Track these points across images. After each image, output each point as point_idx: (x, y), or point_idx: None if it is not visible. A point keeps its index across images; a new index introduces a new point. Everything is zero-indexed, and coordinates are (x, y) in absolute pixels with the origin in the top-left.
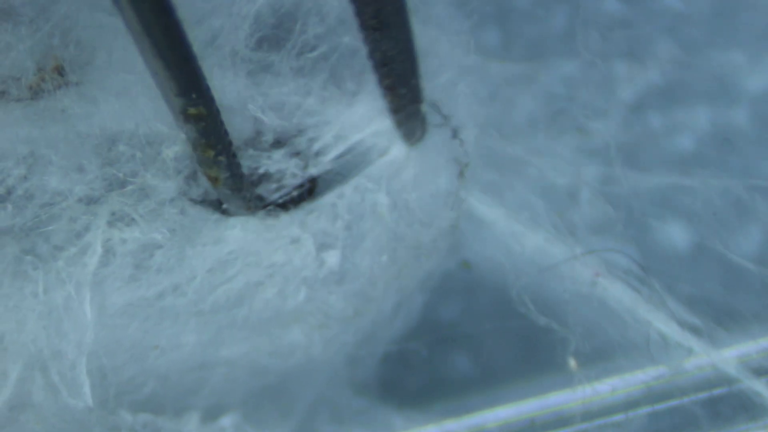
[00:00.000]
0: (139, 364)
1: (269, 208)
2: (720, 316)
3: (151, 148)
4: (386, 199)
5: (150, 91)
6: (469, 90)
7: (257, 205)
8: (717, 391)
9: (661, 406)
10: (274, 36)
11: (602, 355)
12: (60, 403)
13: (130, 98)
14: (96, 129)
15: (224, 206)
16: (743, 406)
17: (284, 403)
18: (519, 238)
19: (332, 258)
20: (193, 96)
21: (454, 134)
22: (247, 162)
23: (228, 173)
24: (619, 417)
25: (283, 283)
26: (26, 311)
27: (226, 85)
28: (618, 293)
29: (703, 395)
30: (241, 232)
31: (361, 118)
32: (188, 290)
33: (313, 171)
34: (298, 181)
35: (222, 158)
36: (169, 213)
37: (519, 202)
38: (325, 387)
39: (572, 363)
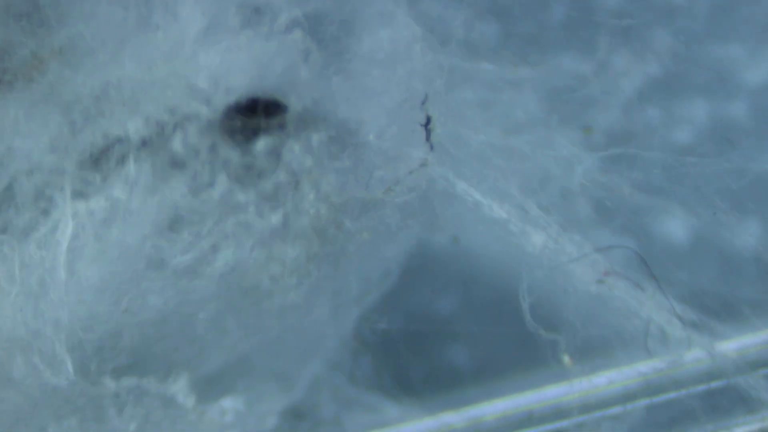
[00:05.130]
0: (116, 333)
1: None
2: (718, 309)
3: (122, 95)
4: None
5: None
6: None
7: None
8: (715, 384)
9: (658, 399)
10: None
11: (600, 347)
12: (42, 381)
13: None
14: (69, 84)
15: None
16: (741, 399)
17: (280, 382)
18: (519, 230)
19: (275, 218)
20: None
21: (427, 136)
22: None
23: None
24: (616, 410)
25: (237, 246)
26: (2, 293)
27: None
28: (619, 287)
29: (700, 388)
30: (190, 196)
31: None
32: (145, 257)
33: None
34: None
35: None
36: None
37: (519, 194)
38: (322, 370)
39: (566, 360)
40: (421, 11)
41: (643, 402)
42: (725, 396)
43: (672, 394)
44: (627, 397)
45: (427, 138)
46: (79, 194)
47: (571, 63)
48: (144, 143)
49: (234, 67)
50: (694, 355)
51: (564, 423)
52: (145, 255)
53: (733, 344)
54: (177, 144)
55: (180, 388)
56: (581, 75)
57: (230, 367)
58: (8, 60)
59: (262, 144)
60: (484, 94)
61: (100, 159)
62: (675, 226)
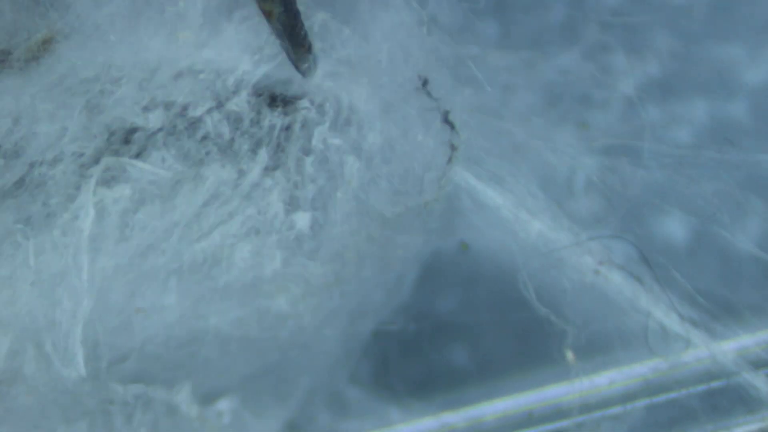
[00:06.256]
0: (127, 330)
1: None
2: (718, 309)
3: (139, 83)
4: (356, 162)
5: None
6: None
7: (310, 45)
8: (715, 384)
9: (659, 399)
10: None
11: (600, 347)
12: (52, 374)
13: (117, 37)
14: (84, 72)
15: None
16: (741, 398)
17: (281, 385)
18: (519, 227)
19: (302, 221)
20: None
21: (445, 118)
22: None
23: (282, 7)
24: (617, 409)
25: (257, 244)
26: (19, 281)
27: None
28: (618, 283)
29: (701, 388)
30: (217, 176)
31: None
32: (167, 247)
33: None
34: None
35: None
36: (158, 154)
37: (519, 191)
38: (321, 376)
39: (570, 355)
40: (421, 8)
41: (643, 402)
42: (725, 396)
43: (672, 394)
44: (627, 397)
45: (445, 120)
46: (101, 182)
47: (572, 61)
48: (165, 130)
49: (243, 56)
50: (694, 355)
51: (564, 423)
52: (170, 245)
53: (733, 344)
54: (200, 133)
55: (184, 398)
56: (581, 73)
57: (231, 379)
58: (19, 43)
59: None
60: (483, 92)
61: (121, 146)
62: (675, 226)
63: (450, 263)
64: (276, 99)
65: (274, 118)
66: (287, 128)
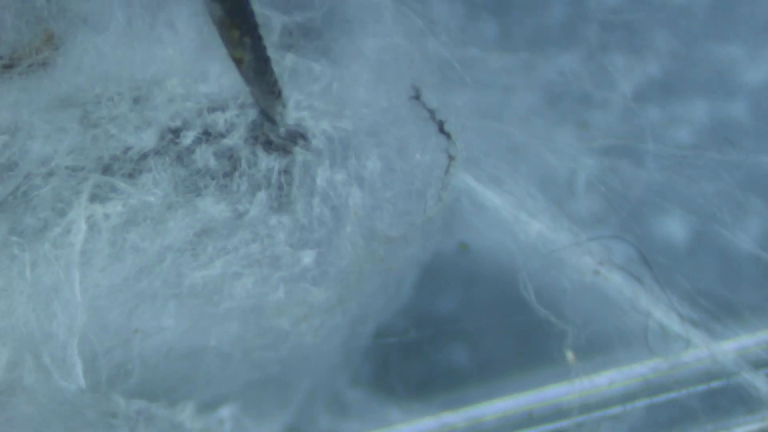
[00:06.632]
0: (126, 346)
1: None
2: (718, 309)
3: (133, 104)
4: (359, 192)
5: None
6: (468, 81)
7: (279, 91)
8: (715, 384)
9: (659, 399)
10: None
11: (600, 347)
12: (52, 385)
13: (113, 60)
14: (80, 91)
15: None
16: (741, 398)
17: (281, 390)
18: (519, 228)
19: (308, 258)
20: None
21: (441, 128)
22: None
23: (252, 55)
24: (617, 409)
25: (260, 276)
26: (15, 293)
27: None
28: (618, 284)
29: (701, 388)
30: (210, 211)
31: None
32: (160, 271)
33: None
34: None
35: (247, 39)
36: (149, 176)
37: (518, 192)
38: (321, 378)
39: (569, 356)
40: (418, 8)
41: (643, 402)
42: (725, 396)
43: (672, 394)
44: (627, 397)
45: (441, 129)
46: (93, 198)
47: (571, 61)
48: (158, 153)
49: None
50: (694, 355)
51: (564, 423)
52: (164, 269)
53: (733, 344)
54: (196, 163)
55: (187, 414)
56: (581, 73)
57: (232, 387)
58: (21, 56)
59: (298, 172)
60: (482, 91)
61: (114, 164)
62: (675, 226)
63: (450, 264)
64: (271, 144)
65: (271, 162)
66: (286, 171)
